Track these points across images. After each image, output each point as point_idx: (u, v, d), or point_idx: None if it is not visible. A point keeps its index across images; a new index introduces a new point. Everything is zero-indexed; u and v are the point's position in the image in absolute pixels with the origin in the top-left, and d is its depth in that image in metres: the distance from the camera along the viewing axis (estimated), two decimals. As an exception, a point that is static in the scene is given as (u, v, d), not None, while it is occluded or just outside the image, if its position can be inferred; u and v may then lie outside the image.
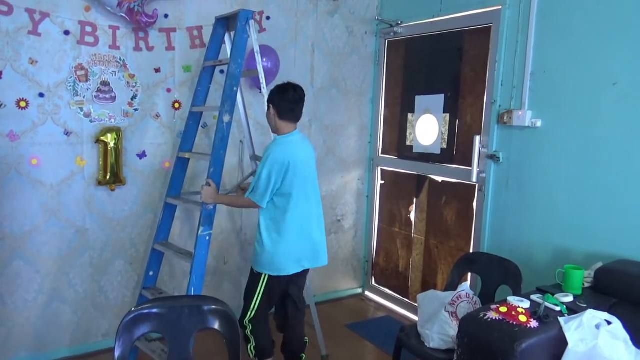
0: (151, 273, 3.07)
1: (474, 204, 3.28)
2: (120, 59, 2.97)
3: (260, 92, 3.33)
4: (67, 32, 2.80)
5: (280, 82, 2.59)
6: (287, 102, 2.49)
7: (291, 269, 2.52)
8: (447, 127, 3.51)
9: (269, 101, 2.56)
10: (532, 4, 2.82)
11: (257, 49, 2.84)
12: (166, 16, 3.08)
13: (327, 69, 3.83)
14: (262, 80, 2.87)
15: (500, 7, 3.00)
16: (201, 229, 2.67)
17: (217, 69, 3.15)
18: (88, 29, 2.85)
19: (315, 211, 2.60)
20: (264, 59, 3.28)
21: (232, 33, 2.90)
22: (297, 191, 2.47)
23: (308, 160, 2.57)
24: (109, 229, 3.08)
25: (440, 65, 3.59)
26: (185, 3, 3.13)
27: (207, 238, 2.70)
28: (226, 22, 3.00)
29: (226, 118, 2.71)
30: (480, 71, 3.22)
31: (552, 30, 2.75)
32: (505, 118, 2.95)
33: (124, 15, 2.84)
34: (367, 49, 4.01)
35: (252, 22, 2.78)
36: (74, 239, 2.98)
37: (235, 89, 2.75)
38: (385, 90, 4.02)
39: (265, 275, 2.51)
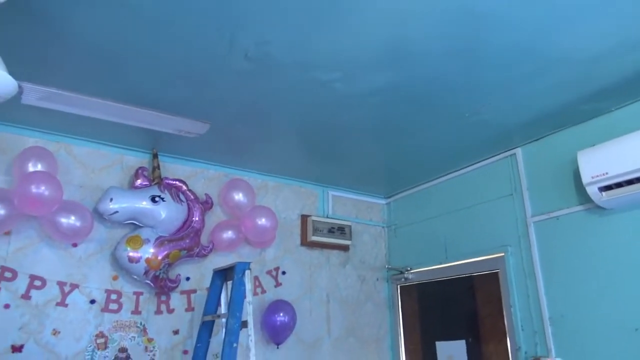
0: None
1: None
2: (140, 324, 3.02)
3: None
4: (92, 301, 2.91)
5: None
6: None
7: None
8: (474, 376, 3.33)
9: None
10: (533, 251, 2.98)
11: (249, 298, 2.74)
12: (188, 279, 3.25)
13: (343, 317, 3.84)
14: (251, 332, 2.66)
15: (503, 254, 3.16)
16: None
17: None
18: (113, 296, 2.98)
19: None
20: (281, 314, 3.33)
21: (229, 283, 2.85)
22: None
23: None
24: None
25: (456, 308, 3.61)
26: (205, 265, 3.33)
27: None
28: (224, 274, 3.01)
29: None
30: (497, 315, 3.21)
31: (560, 275, 2.84)
32: (533, 365, 2.83)
33: (149, 282, 3.00)
34: (380, 295, 4.09)
35: (247, 272, 2.77)
36: None
37: (235, 345, 2.59)
38: (403, 337, 3.94)
39: None
